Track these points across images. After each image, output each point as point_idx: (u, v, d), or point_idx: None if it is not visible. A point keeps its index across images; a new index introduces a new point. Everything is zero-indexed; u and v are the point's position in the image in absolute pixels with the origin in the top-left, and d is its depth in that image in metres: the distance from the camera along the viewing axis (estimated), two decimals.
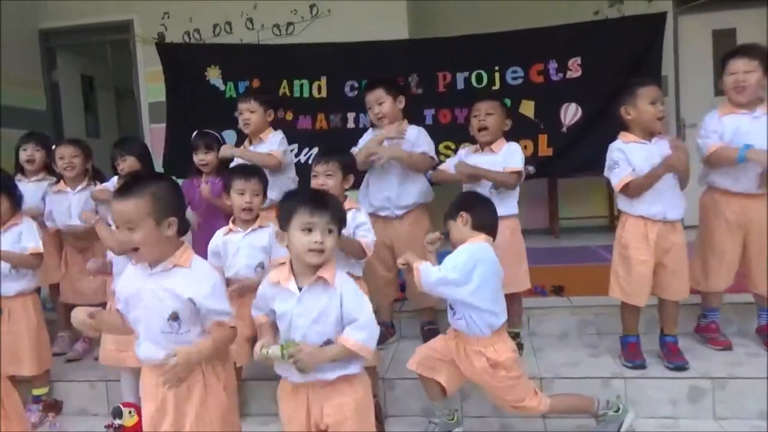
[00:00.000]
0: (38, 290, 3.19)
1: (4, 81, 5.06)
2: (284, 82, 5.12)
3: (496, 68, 4.83)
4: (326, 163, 2.48)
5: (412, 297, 3.16)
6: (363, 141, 3.09)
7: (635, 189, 2.59)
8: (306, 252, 1.73)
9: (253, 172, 2.66)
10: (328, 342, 1.78)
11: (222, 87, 5.25)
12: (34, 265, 2.80)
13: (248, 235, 2.55)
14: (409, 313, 3.25)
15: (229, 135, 4.96)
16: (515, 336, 2.87)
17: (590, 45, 4.64)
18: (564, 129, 4.77)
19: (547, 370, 2.71)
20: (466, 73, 4.87)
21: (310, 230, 1.73)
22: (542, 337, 3.16)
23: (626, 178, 2.59)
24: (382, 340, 3.07)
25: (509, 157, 2.83)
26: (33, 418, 2.70)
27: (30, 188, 3.25)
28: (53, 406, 2.66)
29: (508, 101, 4.77)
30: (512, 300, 2.72)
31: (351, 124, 5.08)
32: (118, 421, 2.50)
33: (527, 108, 4.82)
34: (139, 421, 2.34)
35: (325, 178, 2.47)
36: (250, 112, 3.14)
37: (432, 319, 3.11)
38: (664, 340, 2.71)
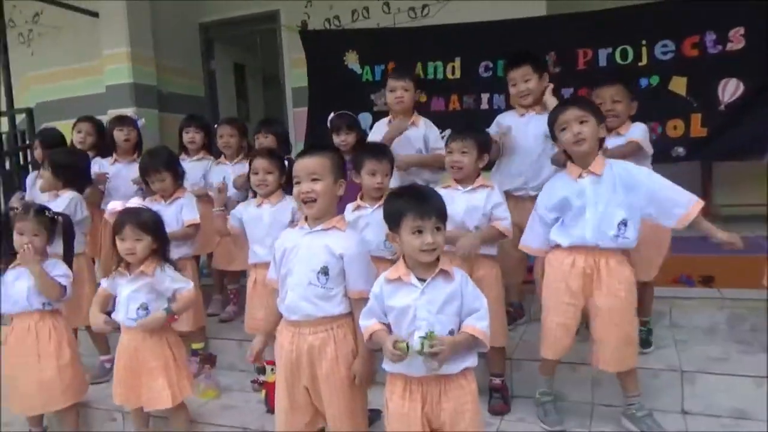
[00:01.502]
0: (198, 258, 3.57)
1: (169, 71, 5.66)
2: (419, 65, 5.18)
3: (644, 42, 4.48)
4: (462, 140, 2.47)
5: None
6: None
7: None
8: (419, 252, 1.78)
9: (384, 152, 2.71)
10: (452, 332, 1.81)
11: (359, 71, 5.44)
12: (191, 234, 3.13)
13: (376, 210, 2.63)
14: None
15: (365, 117, 5.14)
16: (644, 324, 2.73)
17: (756, 12, 4.15)
18: (722, 107, 4.32)
19: (690, 363, 2.53)
20: (609, 49, 4.58)
21: (420, 232, 1.78)
22: (686, 329, 2.95)
23: None
24: (511, 320, 3.06)
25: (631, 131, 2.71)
26: (192, 369, 3.05)
27: (191, 167, 3.57)
28: (209, 359, 2.99)
29: (656, 78, 4.47)
30: (645, 288, 2.65)
31: (484, 105, 5.02)
32: (262, 378, 2.75)
33: (678, 85, 4.43)
34: None
35: (461, 156, 2.46)
36: (404, 90, 3.11)
37: None
38: None
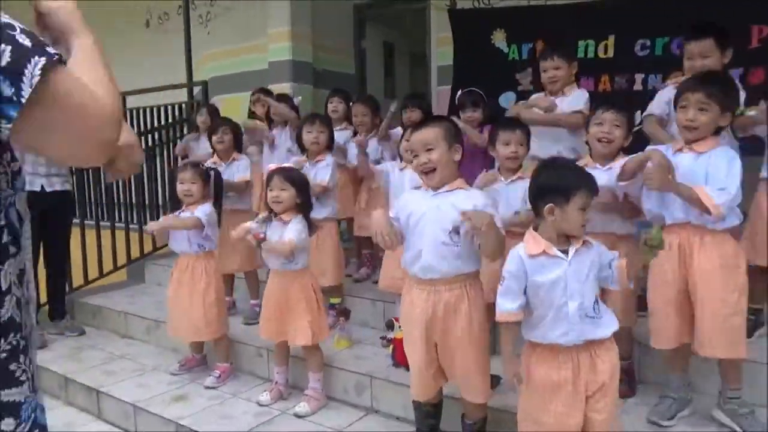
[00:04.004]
0: (339, 222, 3.85)
1: (323, 49, 6.02)
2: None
3: None
4: (616, 113, 2.41)
5: None
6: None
7: None
8: (579, 228, 1.84)
9: (518, 123, 2.75)
10: (596, 299, 1.85)
11: (506, 49, 5.40)
12: (316, 192, 3.25)
13: (510, 184, 2.67)
14: None
15: (509, 96, 5.13)
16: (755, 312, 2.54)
17: None
18: None
19: None
20: None
21: (584, 210, 1.82)
22: None
23: None
24: (645, 307, 2.95)
25: None
26: (329, 320, 3.32)
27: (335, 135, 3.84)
28: (344, 313, 3.24)
29: None
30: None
31: (638, 86, 4.75)
32: (390, 334, 2.94)
33: None
34: None
35: (612, 127, 2.41)
36: (555, 69, 3.10)
37: None
38: None
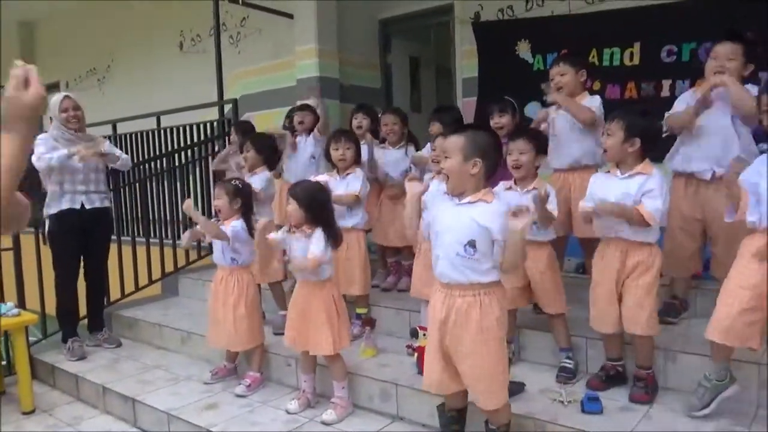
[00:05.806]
0: (366, 233, 3.90)
1: (350, 64, 6.12)
2: (593, 52, 5.03)
3: None
4: (611, 121, 2.45)
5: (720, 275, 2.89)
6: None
7: None
8: None
9: (521, 133, 2.83)
10: None
11: (531, 60, 5.44)
12: (350, 202, 3.40)
13: (525, 194, 2.69)
14: (709, 291, 2.97)
15: (535, 107, 5.13)
16: None
17: None
18: None
19: None
20: None
21: None
22: None
23: None
24: (675, 313, 2.92)
25: None
26: (355, 330, 3.38)
27: None
28: (369, 322, 3.28)
29: None
30: None
31: (665, 93, 4.72)
32: (415, 343, 2.97)
33: None
34: None
35: (606, 137, 2.45)
36: (560, 76, 3.13)
37: None
38: None
